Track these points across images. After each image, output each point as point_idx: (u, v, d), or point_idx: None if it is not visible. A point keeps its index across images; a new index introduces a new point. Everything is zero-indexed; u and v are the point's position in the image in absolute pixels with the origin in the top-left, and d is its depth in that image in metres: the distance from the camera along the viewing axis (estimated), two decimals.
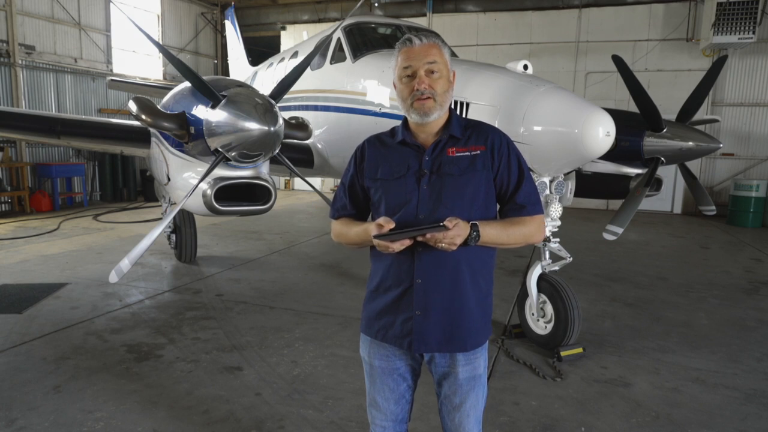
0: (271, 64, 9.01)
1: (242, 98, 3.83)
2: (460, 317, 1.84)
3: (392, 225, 1.74)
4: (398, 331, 1.86)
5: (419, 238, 1.70)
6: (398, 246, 1.71)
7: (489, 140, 1.85)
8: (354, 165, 1.97)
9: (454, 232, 1.66)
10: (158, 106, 4.05)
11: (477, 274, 1.86)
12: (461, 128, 1.87)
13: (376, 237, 1.72)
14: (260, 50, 15.07)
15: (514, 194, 1.84)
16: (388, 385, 1.97)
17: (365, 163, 1.94)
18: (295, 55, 7.69)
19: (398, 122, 1.96)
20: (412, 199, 1.81)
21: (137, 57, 14.39)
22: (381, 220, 1.76)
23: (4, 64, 10.99)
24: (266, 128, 3.78)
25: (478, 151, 1.83)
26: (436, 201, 1.79)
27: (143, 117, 3.79)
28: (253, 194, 4.43)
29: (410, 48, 1.79)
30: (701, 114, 8.80)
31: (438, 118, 1.82)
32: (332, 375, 3.80)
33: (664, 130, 4.47)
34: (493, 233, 1.77)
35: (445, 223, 1.66)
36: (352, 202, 1.99)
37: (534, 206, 1.86)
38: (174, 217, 4.96)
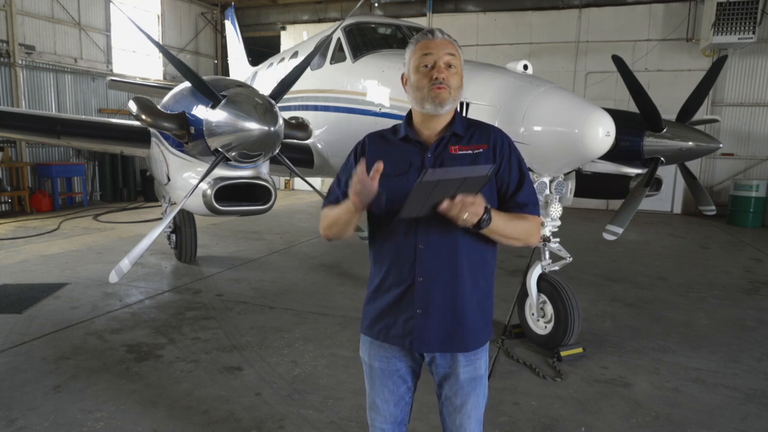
0: (271, 64, 9.01)
1: (242, 98, 3.83)
2: (461, 316, 1.84)
3: (380, 167, 1.65)
4: (400, 331, 1.86)
5: (443, 206, 1.61)
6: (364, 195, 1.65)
7: (491, 139, 1.85)
8: (354, 159, 1.94)
9: (479, 201, 1.63)
10: (158, 106, 4.06)
11: (478, 274, 1.86)
12: (464, 127, 1.87)
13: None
14: (260, 50, 15.08)
15: (516, 194, 1.84)
16: (387, 387, 1.96)
17: (366, 157, 1.90)
18: (295, 55, 7.69)
19: (398, 122, 1.96)
20: None
21: (137, 57, 14.39)
22: (359, 167, 1.65)
23: (4, 64, 10.99)
24: (266, 128, 3.78)
25: (481, 150, 1.83)
26: None
27: (143, 117, 3.79)
28: (253, 194, 4.43)
29: (431, 40, 1.79)
30: (701, 114, 8.79)
31: (448, 112, 1.82)
32: (332, 375, 3.80)
33: (664, 130, 4.48)
34: (500, 221, 1.74)
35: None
36: (346, 195, 1.95)
37: (534, 206, 1.87)
38: (174, 217, 4.96)
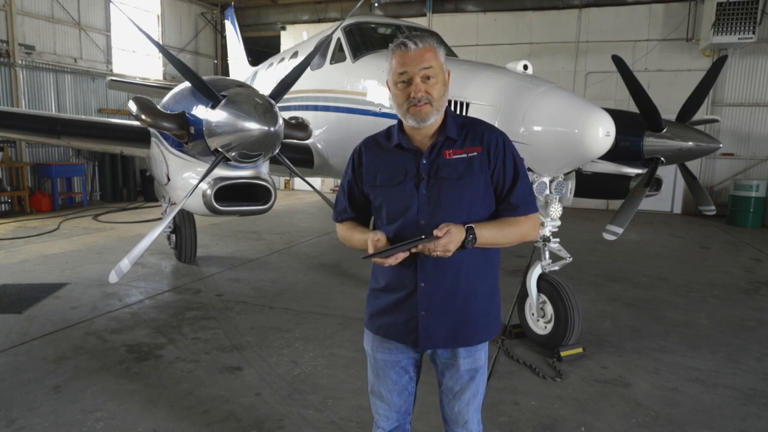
0: (271, 64, 9.01)
1: (242, 98, 3.83)
2: (466, 315, 1.86)
3: (383, 240, 1.76)
4: (402, 329, 1.89)
5: (413, 250, 1.70)
6: (393, 260, 1.72)
7: (485, 140, 1.84)
8: (352, 169, 1.97)
9: (445, 240, 1.66)
10: (158, 106, 4.06)
11: (482, 272, 1.88)
12: (457, 128, 1.86)
13: (366, 258, 1.74)
14: (260, 50, 15.06)
15: (509, 194, 1.85)
16: (391, 377, 2.00)
17: (363, 169, 1.93)
18: (295, 55, 7.69)
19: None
20: (412, 205, 1.81)
21: (137, 57, 14.39)
22: (372, 235, 1.77)
23: (4, 64, 10.99)
24: (266, 128, 3.78)
25: (475, 153, 1.82)
26: (436, 205, 1.80)
27: (143, 117, 3.79)
28: (253, 194, 4.43)
29: (405, 53, 1.75)
30: (701, 114, 8.79)
31: (434, 122, 1.81)
32: (332, 375, 3.80)
33: (664, 130, 4.47)
34: (489, 235, 1.77)
35: (435, 232, 1.66)
36: (352, 205, 2.00)
37: (528, 206, 1.87)
38: (174, 217, 4.96)
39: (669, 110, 5.50)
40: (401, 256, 1.72)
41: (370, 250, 1.75)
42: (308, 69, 4.83)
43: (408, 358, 1.98)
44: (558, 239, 4.33)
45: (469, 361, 1.92)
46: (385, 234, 1.79)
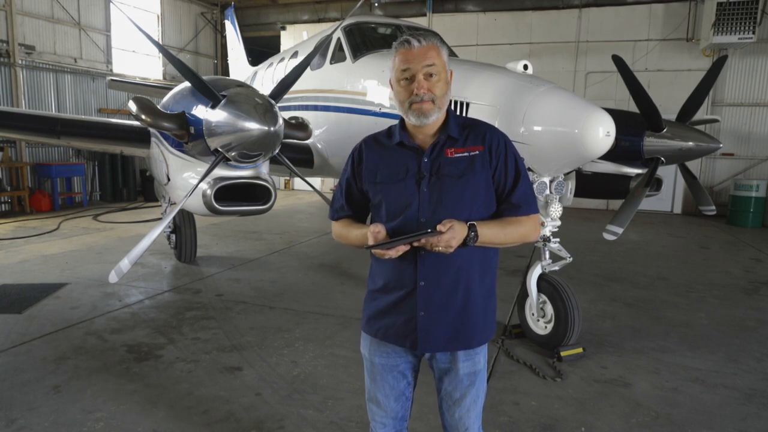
0: (271, 64, 9.01)
1: (242, 98, 3.83)
2: (465, 316, 1.85)
3: (383, 232, 1.75)
4: (401, 331, 1.87)
5: (415, 244, 1.70)
6: (394, 253, 1.72)
7: (487, 140, 1.85)
8: (351, 167, 1.97)
9: (448, 236, 1.65)
10: (158, 106, 4.06)
11: (482, 273, 1.87)
12: (459, 128, 1.86)
13: (368, 248, 1.73)
14: (260, 50, 15.06)
15: (511, 194, 1.85)
16: (388, 382, 1.97)
17: (363, 166, 1.92)
18: (295, 55, 7.69)
19: (396, 122, 1.95)
20: (412, 203, 1.81)
21: (137, 57, 14.39)
22: (372, 227, 1.76)
23: (4, 64, 10.99)
24: (266, 128, 3.78)
25: (477, 152, 1.82)
26: (437, 203, 1.79)
27: (143, 117, 3.79)
28: (253, 194, 4.43)
29: (408, 50, 1.76)
30: (701, 114, 8.79)
31: (436, 119, 1.81)
32: (332, 375, 3.80)
33: (664, 130, 4.48)
34: (490, 233, 1.77)
35: (438, 227, 1.66)
36: (350, 203, 2.00)
37: (529, 206, 1.87)
38: (174, 217, 4.96)
39: (669, 110, 5.50)
40: (402, 248, 1.71)
41: (371, 242, 1.74)
42: (308, 69, 4.83)
43: (406, 362, 1.96)
44: (558, 239, 4.33)
45: (468, 365, 1.90)
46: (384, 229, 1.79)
